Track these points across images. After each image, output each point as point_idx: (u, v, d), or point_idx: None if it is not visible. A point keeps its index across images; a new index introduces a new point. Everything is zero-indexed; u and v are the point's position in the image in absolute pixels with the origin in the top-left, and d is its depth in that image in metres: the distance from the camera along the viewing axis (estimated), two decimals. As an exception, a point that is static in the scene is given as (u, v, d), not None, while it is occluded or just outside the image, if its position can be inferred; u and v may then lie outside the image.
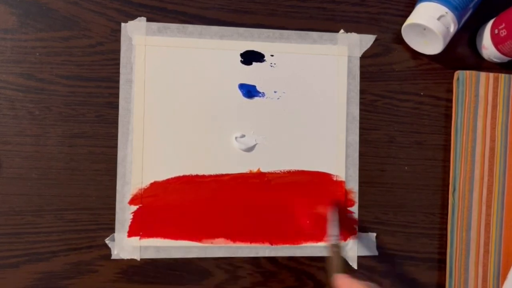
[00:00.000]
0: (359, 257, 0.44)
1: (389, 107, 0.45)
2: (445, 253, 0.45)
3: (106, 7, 0.42)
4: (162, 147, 0.42)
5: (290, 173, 0.43)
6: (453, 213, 0.44)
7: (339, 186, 0.44)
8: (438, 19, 0.40)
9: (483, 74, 0.45)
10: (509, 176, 0.45)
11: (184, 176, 0.42)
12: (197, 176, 0.42)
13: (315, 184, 0.43)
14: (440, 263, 0.45)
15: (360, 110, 0.44)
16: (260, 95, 0.43)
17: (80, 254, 0.41)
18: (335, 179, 0.43)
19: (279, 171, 0.43)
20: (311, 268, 0.43)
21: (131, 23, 0.42)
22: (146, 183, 0.41)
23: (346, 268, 0.36)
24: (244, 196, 0.42)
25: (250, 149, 0.43)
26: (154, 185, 0.41)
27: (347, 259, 0.43)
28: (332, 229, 0.38)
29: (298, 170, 0.43)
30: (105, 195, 0.41)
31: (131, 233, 0.41)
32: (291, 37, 0.44)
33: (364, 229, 0.44)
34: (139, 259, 0.41)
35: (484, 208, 0.44)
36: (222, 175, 0.42)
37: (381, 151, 0.45)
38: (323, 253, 0.43)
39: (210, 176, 0.42)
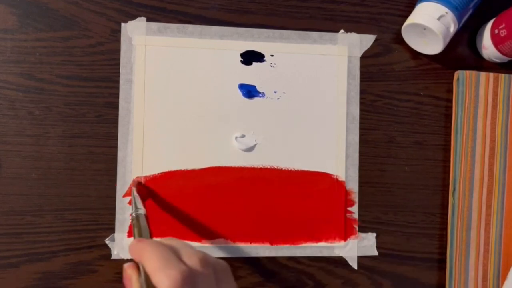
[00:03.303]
0: (359, 257, 0.44)
1: (389, 107, 0.45)
2: (445, 253, 0.45)
3: (106, 7, 0.42)
4: (162, 147, 0.42)
5: (290, 173, 0.43)
6: (453, 213, 0.44)
7: (339, 186, 0.44)
8: (438, 19, 0.40)
9: (483, 74, 0.45)
10: (509, 176, 0.45)
11: (184, 176, 0.42)
12: (197, 176, 0.42)
13: (315, 184, 0.43)
14: (440, 263, 0.45)
15: (360, 110, 0.44)
16: (260, 95, 0.43)
17: (80, 254, 0.41)
18: (335, 179, 0.43)
19: (279, 170, 0.43)
20: (311, 268, 0.43)
21: (131, 23, 0.42)
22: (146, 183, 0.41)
23: (148, 236, 0.32)
24: (244, 196, 0.42)
25: (250, 149, 0.43)
26: (154, 185, 0.41)
27: (346, 259, 0.44)
28: (135, 203, 0.36)
29: (298, 171, 0.43)
30: (105, 195, 0.41)
31: (131, 233, 0.41)
32: (291, 37, 0.44)
33: (364, 229, 0.44)
34: (139, 259, 0.41)
35: (484, 208, 0.44)
36: (223, 175, 0.42)
37: (381, 151, 0.45)
38: (323, 253, 0.43)
39: (210, 176, 0.42)
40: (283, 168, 0.43)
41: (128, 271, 0.29)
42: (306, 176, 0.43)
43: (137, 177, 0.41)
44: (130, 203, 0.41)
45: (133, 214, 0.35)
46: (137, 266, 0.29)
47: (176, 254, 0.28)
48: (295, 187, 0.43)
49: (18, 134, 0.40)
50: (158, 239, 0.30)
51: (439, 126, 0.45)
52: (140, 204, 0.36)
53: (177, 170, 0.42)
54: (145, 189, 0.41)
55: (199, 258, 0.28)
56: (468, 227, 0.44)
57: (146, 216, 0.35)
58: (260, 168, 0.43)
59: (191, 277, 0.26)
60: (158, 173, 0.41)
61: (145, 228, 0.33)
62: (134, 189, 0.39)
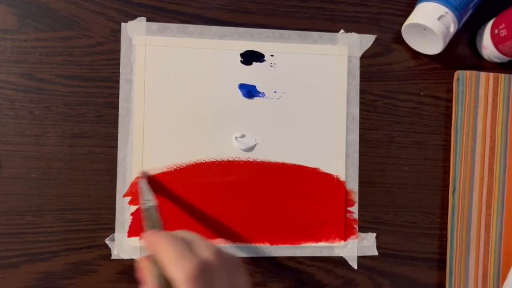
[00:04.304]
0: (359, 257, 0.44)
1: (389, 107, 0.45)
2: (445, 253, 0.45)
3: (106, 7, 0.42)
4: (162, 147, 0.42)
5: (290, 172, 0.43)
6: (453, 213, 0.44)
7: (339, 186, 0.44)
8: (438, 19, 0.40)
9: (483, 74, 0.45)
10: (509, 176, 0.45)
11: (184, 176, 0.42)
12: (197, 176, 0.42)
13: (315, 184, 0.43)
14: (440, 263, 0.45)
15: (360, 110, 0.44)
16: (260, 95, 0.43)
17: (80, 254, 0.41)
18: (335, 179, 0.43)
19: (278, 170, 0.43)
20: (311, 268, 0.43)
21: (131, 23, 0.42)
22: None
23: (159, 228, 0.33)
24: (244, 196, 0.42)
25: (250, 149, 0.43)
26: (154, 185, 0.41)
27: (346, 259, 0.44)
28: (144, 195, 0.37)
29: (298, 170, 0.43)
30: (105, 195, 0.41)
31: (131, 233, 0.41)
32: (291, 37, 0.44)
33: (364, 229, 0.44)
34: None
35: (484, 208, 0.44)
36: (222, 175, 0.42)
37: (381, 151, 0.45)
38: (323, 253, 0.43)
39: (210, 176, 0.42)
40: (283, 168, 0.43)
41: (143, 263, 0.30)
42: (306, 176, 0.43)
43: (143, 171, 0.41)
44: (132, 195, 0.41)
45: (144, 206, 0.35)
46: (151, 258, 0.29)
47: (189, 246, 0.28)
48: (295, 187, 0.43)
49: (18, 134, 0.40)
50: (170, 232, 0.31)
51: (439, 126, 0.45)
52: (150, 196, 0.36)
53: (176, 170, 0.42)
54: (154, 182, 0.41)
55: (213, 250, 0.28)
56: (468, 227, 0.44)
57: (157, 208, 0.35)
58: (260, 167, 0.42)
59: (205, 269, 0.27)
60: (157, 173, 0.41)
61: (157, 220, 0.34)
62: (143, 181, 0.39)
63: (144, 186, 0.38)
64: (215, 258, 0.28)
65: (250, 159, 0.43)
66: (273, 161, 0.43)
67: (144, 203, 0.36)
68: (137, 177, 0.41)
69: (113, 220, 0.41)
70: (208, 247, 0.29)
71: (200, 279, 0.26)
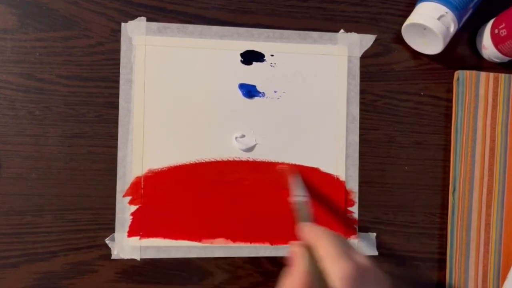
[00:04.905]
0: (359, 257, 0.44)
1: (389, 107, 0.45)
2: (445, 253, 0.45)
3: (106, 7, 0.42)
4: (162, 147, 0.42)
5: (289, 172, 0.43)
6: (453, 213, 0.44)
7: (339, 186, 0.44)
8: (438, 19, 0.40)
9: (483, 74, 0.45)
10: (509, 176, 0.45)
11: (184, 176, 0.42)
12: (197, 176, 0.42)
13: (315, 184, 0.43)
14: (440, 263, 0.45)
15: (360, 110, 0.44)
16: (260, 95, 0.43)
17: (80, 254, 0.41)
18: (335, 179, 0.43)
19: (279, 167, 0.43)
20: (311, 268, 0.43)
21: (131, 23, 0.42)
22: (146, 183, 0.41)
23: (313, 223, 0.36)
24: (244, 196, 0.42)
25: (250, 149, 0.43)
26: (154, 185, 0.41)
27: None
28: (297, 190, 0.39)
29: (298, 169, 0.43)
30: (105, 195, 0.41)
31: (131, 233, 0.41)
32: (291, 37, 0.44)
33: (364, 229, 0.44)
34: (139, 259, 0.41)
35: (484, 208, 0.44)
36: (222, 175, 0.42)
37: (381, 151, 0.45)
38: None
39: (210, 176, 0.42)
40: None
41: (298, 248, 0.31)
42: (306, 176, 0.43)
43: (282, 165, 0.42)
44: (133, 195, 0.41)
45: (297, 199, 0.37)
46: (306, 247, 0.31)
47: (349, 248, 0.30)
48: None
49: (18, 134, 0.40)
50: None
51: (439, 126, 0.45)
52: (302, 192, 0.38)
53: (176, 170, 0.42)
54: (155, 181, 0.41)
55: (370, 261, 0.30)
56: (468, 227, 0.44)
57: (309, 204, 0.37)
58: (260, 167, 0.42)
59: (362, 274, 0.28)
60: (158, 171, 0.41)
61: (309, 215, 0.36)
62: (297, 176, 0.41)
63: (297, 181, 0.40)
64: (372, 269, 0.29)
65: (250, 159, 0.43)
66: (273, 161, 0.43)
67: (297, 196, 0.38)
68: (293, 171, 0.42)
69: (113, 220, 0.41)
70: (365, 256, 0.30)
71: (355, 282, 0.27)
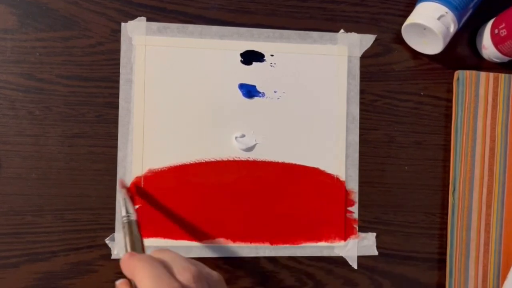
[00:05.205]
0: (359, 257, 0.44)
1: (389, 107, 0.45)
2: (445, 253, 0.45)
3: (106, 7, 0.42)
4: (162, 147, 0.42)
5: (290, 172, 0.43)
6: (453, 213, 0.44)
7: (339, 186, 0.44)
8: (438, 19, 0.40)
9: (483, 74, 0.45)
10: (509, 176, 0.45)
11: (184, 176, 0.42)
12: (197, 176, 0.42)
13: (315, 184, 0.43)
14: (440, 263, 0.45)
15: (360, 110, 0.44)
16: (260, 95, 0.43)
17: (80, 254, 0.41)
18: (335, 179, 0.43)
19: (278, 170, 0.43)
20: (311, 268, 0.43)
21: (131, 23, 0.42)
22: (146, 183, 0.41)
23: (140, 246, 0.33)
24: (244, 196, 0.42)
25: (250, 149, 0.43)
26: (154, 185, 0.41)
27: (346, 259, 0.43)
28: (125, 208, 0.35)
29: (298, 170, 0.43)
30: (105, 195, 0.41)
31: (131, 233, 0.41)
32: (291, 37, 0.44)
33: (364, 229, 0.44)
34: (139, 259, 0.41)
35: (484, 208, 0.44)
36: (222, 175, 0.42)
37: (381, 151, 0.45)
38: (323, 253, 0.43)
39: (210, 175, 0.42)
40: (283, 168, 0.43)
41: (121, 286, 0.30)
42: (306, 176, 0.43)
43: (121, 180, 0.41)
44: (133, 195, 0.41)
45: (125, 220, 0.34)
46: (129, 282, 0.29)
47: (168, 269, 0.28)
48: (295, 186, 0.43)
49: (18, 134, 0.40)
50: (153, 241, 0.31)
51: (439, 126, 0.45)
52: (131, 209, 0.35)
53: (176, 169, 0.42)
54: (137, 190, 0.41)
55: (192, 273, 0.28)
56: (468, 227, 0.44)
57: (138, 222, 0.34)
58: (260, 167, 0.42)
59: None
60: (158, 171, 0.41)
61: (137, 237, 0.33)
62: (123, 191, 0.38)
63: (124, 198, 0.36)
64: (195, 281, 0.28)
65: (250, 159, 0.43)
66: (273, 161, 0.43)
67: (125, 217, 0.34)
68: (122, 185, 0.40)
69: (113, 220, 0.41)
70: (187, 269, 0.28)
71: None
